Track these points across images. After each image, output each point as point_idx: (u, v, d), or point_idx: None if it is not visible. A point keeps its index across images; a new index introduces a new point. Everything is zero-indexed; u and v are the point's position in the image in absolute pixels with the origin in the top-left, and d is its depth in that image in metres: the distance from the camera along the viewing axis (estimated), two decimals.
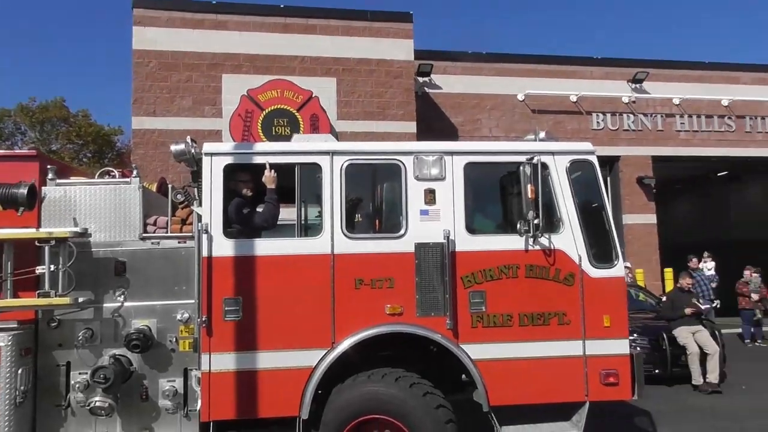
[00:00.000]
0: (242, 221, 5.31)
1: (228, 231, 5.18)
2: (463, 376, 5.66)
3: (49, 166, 5.42)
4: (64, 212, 5.35)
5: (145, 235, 5.39)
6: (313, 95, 14.31)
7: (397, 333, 5.16)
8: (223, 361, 5.03)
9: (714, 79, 19.03)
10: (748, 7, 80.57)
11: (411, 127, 14.92)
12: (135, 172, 5.49)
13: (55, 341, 5.22)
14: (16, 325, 5.08)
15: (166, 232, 5.44)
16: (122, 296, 5.30)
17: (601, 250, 5.48)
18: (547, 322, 5.30)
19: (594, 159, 5.56)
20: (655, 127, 18.48)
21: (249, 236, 5.26)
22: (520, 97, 17.49)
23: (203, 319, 5.01)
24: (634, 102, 18.21)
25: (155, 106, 14.04)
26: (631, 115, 18.23)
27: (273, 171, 5.27)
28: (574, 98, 17.72)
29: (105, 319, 5.28)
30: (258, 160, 5.32)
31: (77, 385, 5.14)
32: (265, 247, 5.20)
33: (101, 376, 4.93)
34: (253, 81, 14.30)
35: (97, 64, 57.00)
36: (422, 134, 14.74)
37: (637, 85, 18.30)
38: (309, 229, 5.40)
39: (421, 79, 16.73)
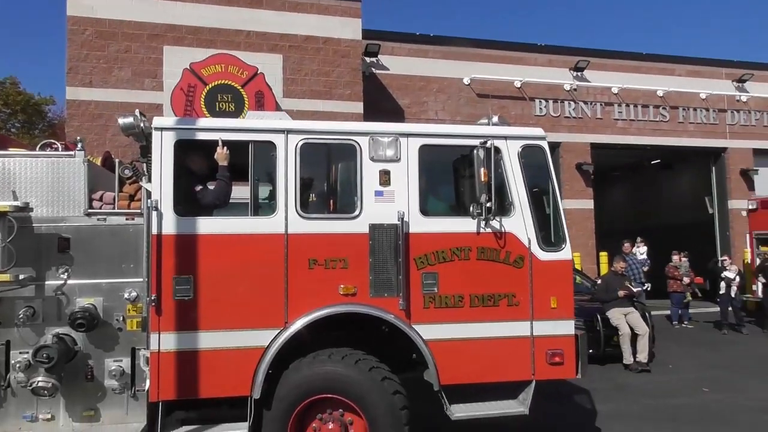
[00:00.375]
0: (193, 199, 5.19)
1: (178, 208, 5.05)
2: (414, 355, 5.77)
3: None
4: (3, 185, 5.09)
5: (90, 210, 5.19)
6: (259, 71, 14.03)
7: (351, 313, 5.19)
8: (173, 341, 4.94)
9: (650, 69, 19.77)
10: (689, 3, 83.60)
11: (358, 107, 14.85)
12: (80, 145, 5.27)
13: None
14: None
15: (113, 209, 5.26)
16: (66, 273, 5.10)
17: (549, 234, 5.65)
18: (497, 304, 5.43)
19: (545, 144, 5.69)
20: (595, 115, 19.06)
21: (200, 214, 5.15)
22: (466, 81, 17.69)
23: (152, 297, 4.89)
24: (575, 90, 18.72)
25: (92, 76, 13.46)
26: (572, 103, 18.73)
27: (225, 148, 5.17)
28: (518, 84, 18.05)
29: (47, 297, 5.08)
30: (210, 136, 5.20)
31: (18, 365, 4.94)
32: (216, 225, 5.12)
33: (44, 355, 4.76)
34: (196, 54, 13.89)
35: (27, 29, 54.02)
36: (369, 115, 14.70)
37: (579, 73, 18.83)
38: (262, 208, 5.31)
39: (368, 59, 16.65)
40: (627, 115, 19.33)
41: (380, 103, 16.33)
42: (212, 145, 5.19)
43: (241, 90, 13.82)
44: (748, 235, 17.70)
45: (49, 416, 5.03)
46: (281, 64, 14.51)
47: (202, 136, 5.21)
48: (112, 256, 5.20)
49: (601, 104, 19.09)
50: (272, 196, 5.23)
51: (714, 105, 20.39)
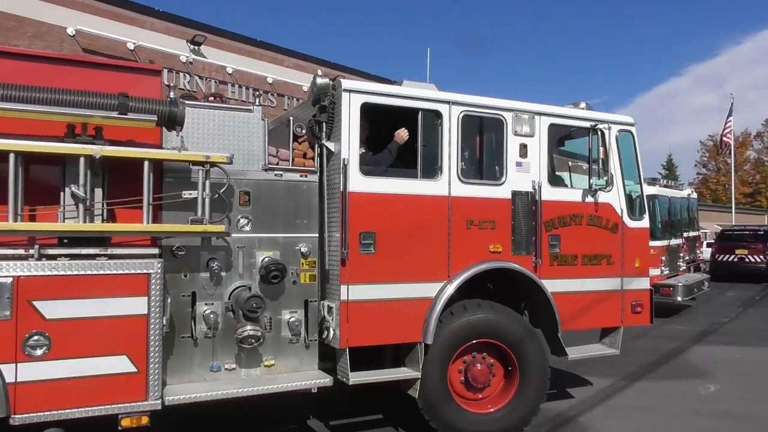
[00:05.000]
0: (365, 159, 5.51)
1: (362, 167, 5.35)
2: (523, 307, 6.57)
3: (171, 84, 5.00)
4: (189, 136, 5.00)
5: (270, 166, 5.29)
6: None
7: (505, 269, 5.87)
8: (359, 292, 5.28)
9: (263, 57, 19.67)
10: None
11: None
12: (257, 101, 5.33)
13: (181, 271, 4.95)
14: (157, 252, 4.72)
15: (288, 165, 5.39)
16: (248, 227, 5.19)
17: (633, 205, 6.72)
18: (599, 263, 6.42)
19: (634, 130, 6.74)
20: (209, 91, 17.64)
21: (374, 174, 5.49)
22: (71, 31, 15.26)
23: (344, 251, 5.18)
24: (191, 63, 17.35)
25: None
26: (188, 75, 17.64)
27: (407, 132, 5.61)
28: (131, 46, 16.07)
29: (229, 249, 5.13)
30: (390, 101, 5.52)
31: (212, 315, 4.98)
32: (393, 185, 5.49)
33: (252, 305, 4.88)
34: None
35: None
36: None
37: (196, 47, 17.71)
38: (426, 172, 5.72)
39: None
40: (239, 95, 18.65)
41: None
42: (388, 109, 5.52)
43: None
44: None
45: (233, 366, 5.13)
46: None
47: (382, 100, 5.50)
48: (288, 212, 5.37)
49: (215, 81, 18.34)
50: (435, 160, 5.68)
51: None
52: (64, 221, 4.49)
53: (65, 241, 4.49)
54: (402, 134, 5.61)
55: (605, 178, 6.36)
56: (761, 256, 22.63)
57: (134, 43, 15.97)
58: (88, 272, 4.38)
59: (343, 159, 5.23)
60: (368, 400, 6.78)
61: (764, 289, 20.67)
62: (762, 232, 24.57)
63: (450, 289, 5.60)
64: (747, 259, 22.81)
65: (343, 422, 6.60)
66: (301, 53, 20.58)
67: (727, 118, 32.96)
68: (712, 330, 10.11)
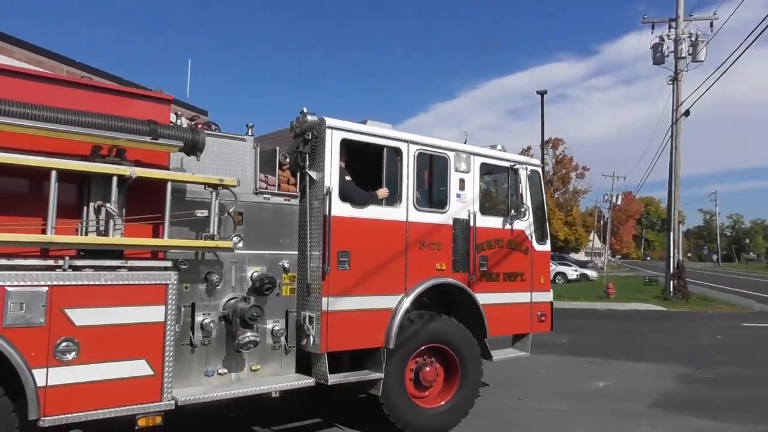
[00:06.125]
0: (348, 188, 6.30)
1: (341, 195, 6.13)
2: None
3: (178, 112, 5.47)
4: (191, 160, 5.47)
5: (260, 189, 5.88)
6: None
7: (450, 284, 6.89)
8: (337, 303, 6.02)
9: None
10: None
11: None
12: (250, 131, 5.91)
13: (183, 282, 5.37)
14: (171, 264, 5.13)
15: (275, 190, 6.01)
16: (240, 243, 5.72)
17: (539, 232, 8.10)
18: (515, 279, 7.68)
19: (540, 170, 8.17)
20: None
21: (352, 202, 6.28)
22: None
23: (327, 267, 5.92)
24: None
25: None
26: None
27: (387, 191, 6.51)
28: None
29: (224, 264, 5.64)
30: (363, 138, 6.37)
31: (210, 324, 5.44)
32: (365, 211, 6.32)
33: (253, 313, 5.42)
34: None
35: None
36: None
37: None
38: (389, 200, 6.60)
39: None
40: None
41: None
42: (363, 146, 6.38)
43: None
44: None
45: (224, 371, 5.62)
46: None
47: (358, 137, 6.32)
48: (273, 231, 5.99)
49: None
50: (396, 190, 6.60)
51: None
52: (86, 234, 4.81)
53: (82, 253, 4.81)
54: (383, 193, 6.49)
55: (522, 209, 7.68)
56: None
57: None
58: (115, 282, 4.74)
59: (327, 187, 5.98)
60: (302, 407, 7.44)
61: None
62: None
63: (407, 301, 6.51)
64: None
65: (287, 427, 7.17)
66: (38, 47, 17.98)
67: None
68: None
